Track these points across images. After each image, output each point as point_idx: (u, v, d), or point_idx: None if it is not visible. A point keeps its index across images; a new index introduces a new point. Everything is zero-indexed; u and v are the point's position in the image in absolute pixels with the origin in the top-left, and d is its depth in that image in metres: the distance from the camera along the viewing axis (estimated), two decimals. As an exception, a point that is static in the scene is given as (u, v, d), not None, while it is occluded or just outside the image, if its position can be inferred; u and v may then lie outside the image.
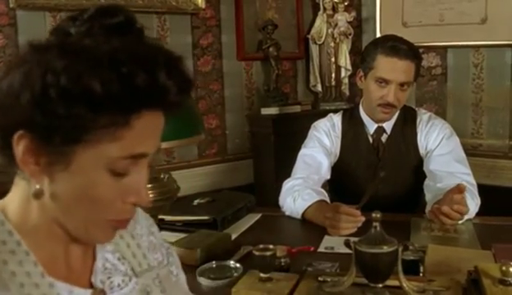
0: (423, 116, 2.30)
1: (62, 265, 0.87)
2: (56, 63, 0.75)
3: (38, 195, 0.81)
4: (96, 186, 0.80)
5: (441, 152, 2.20)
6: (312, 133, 2.34)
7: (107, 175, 0.80)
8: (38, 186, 0.80)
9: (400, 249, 1.28)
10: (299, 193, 2.06)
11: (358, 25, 4.39)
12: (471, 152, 3.44)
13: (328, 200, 2.07)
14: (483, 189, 2.13)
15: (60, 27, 0.83)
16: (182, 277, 1.12)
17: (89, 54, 0.76)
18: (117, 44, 0.77)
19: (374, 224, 1.31)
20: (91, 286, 0.90)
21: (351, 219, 1.82)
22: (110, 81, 0.74)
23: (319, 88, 4.34)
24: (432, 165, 2.18)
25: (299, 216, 2.04)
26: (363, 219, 1.80)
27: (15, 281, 0.79)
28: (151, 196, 1.63)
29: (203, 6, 3.75)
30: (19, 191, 0.84)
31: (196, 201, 2.11)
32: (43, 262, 0.82)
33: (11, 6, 2.88)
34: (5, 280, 0.77)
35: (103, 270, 0.92)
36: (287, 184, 2.16)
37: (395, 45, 2.12)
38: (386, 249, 1.26)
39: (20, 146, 0.78)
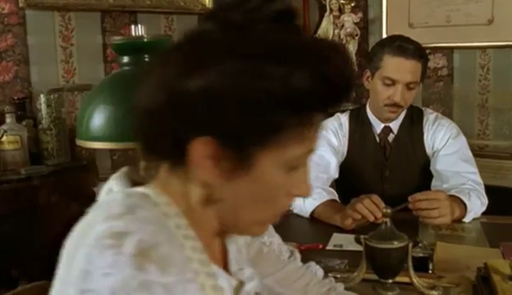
0: (430, 116, 2.30)
1: (210, 252, 0.83)
2: (265, 67, 0.70)
3: (208, 200, 0.79)
4: (273, 186, 0.78)
5: (448, 151, 2.21)
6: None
7: (283, 174, 0.77)
8: (205, 190, 0.78)
9: (410, 245, 1.29)
10: (310, 192, 2.06)
11: (364, 26, 4.39)
12: (477, 152, 3.43)
13: (338, 199, 2.08)
14: (490, 190, 2.12)
15: (219, 14, 0.76)
16: (275, 241, 1.13)
17: (285, 50, 0.71)
18: (304, 39, 0.75)
19: (384, 219, 1.33)
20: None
21: (373, 206, 1.82)
22: (314, 79, 0.71)
23: (325, 88, 4.34)
24: (439, 165, 2.19)
25: (307, 215, 2.05)
26: (379, 214, 1.79)
27: (186, 245, 0.76)
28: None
29: (211, 7, 3.77)
30: (177, 185, 0.80)
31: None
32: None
33: (21, 5, 2.89)
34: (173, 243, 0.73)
35: (235, 262, 0.90)
36: (296, 183, 2.16)
37: (401, 45, 2.13)
38: (396, 244, 1.28)
39: (200, 150, 0.73)
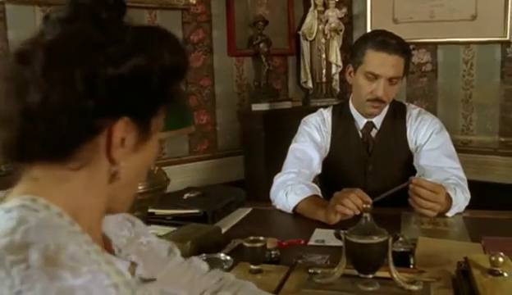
0: (413, 111, 2.30)
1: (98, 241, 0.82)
2: (157, 51, 0.79)
3: (114, 177, 0.80)
4: (154, 155, 0.86)
5: (431, 146, 2.20)
6: (302, 127, 2.33)
7: (158, 142, 0.86)
8: (114, 169, 0.79)
9: (391, 240, 1.28)
10: (292, 188, 2.05)
11: (348, 22, 4.39)
12: (461, 148, 3.45)
13: (321, 195, 2.07)
14: (473, 185, 2.12)
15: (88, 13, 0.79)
16: (152, 239, 1.09)
17: (163, 34, 0.83)
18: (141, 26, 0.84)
19: (364, 214, 1.32)
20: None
21: (359, 201, 1.80)
22: (182, 54, 0.84)
23: (310, 84, 4.34)
24: (422, 161, 2.18)
25: (290, 210, 2.04)
26: (368, 205, 1.78)
27: (81, 240, 0.74)
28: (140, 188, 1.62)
29: (194, 2, 3.75)
30: (60, 180, 0.77)
31: (186, 195, 2.10)
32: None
33: (0, -1, 2.87)
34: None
35: (121, 249, 0.92)
36: (279, 178, 2.15)
37: (384, 40, 2.12)
38: (376, 239, 1.26)
39: (121, 131, 0.77)
